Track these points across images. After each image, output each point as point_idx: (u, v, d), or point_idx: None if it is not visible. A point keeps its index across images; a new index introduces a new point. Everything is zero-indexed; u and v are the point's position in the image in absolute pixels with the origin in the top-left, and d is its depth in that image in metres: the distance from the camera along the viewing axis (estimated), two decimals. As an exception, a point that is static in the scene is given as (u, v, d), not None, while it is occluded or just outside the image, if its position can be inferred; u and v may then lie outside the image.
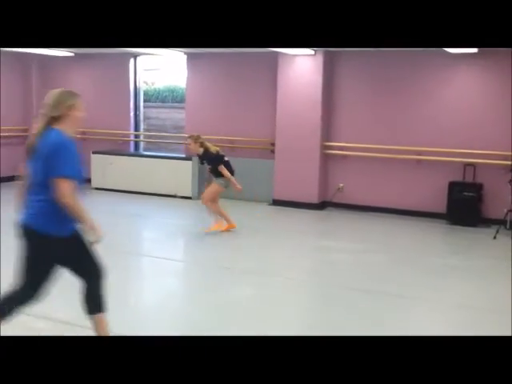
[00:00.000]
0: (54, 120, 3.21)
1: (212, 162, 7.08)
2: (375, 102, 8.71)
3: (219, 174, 7.05)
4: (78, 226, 3.28)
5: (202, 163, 7.35)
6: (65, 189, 3.07)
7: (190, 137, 7.16)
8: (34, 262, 3.27)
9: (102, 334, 3.46)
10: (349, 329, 4.23)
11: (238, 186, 7.04)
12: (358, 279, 5.49)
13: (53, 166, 3.08)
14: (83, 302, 3.47)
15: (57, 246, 3.23)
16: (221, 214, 7.16)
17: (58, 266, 3.38)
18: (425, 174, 8.48)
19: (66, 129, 3.22)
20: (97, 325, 3.48)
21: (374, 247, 6.77)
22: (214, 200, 7.09)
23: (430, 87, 8.40)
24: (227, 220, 7.18)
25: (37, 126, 3.25)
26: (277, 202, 9.15)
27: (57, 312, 4.36)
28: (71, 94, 3.29)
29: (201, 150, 7.06)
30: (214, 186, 7.10)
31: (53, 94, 3.28)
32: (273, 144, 9.21)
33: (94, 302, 3.44)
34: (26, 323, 4.14)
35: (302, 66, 8.76)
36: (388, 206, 8.67)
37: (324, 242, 7.11)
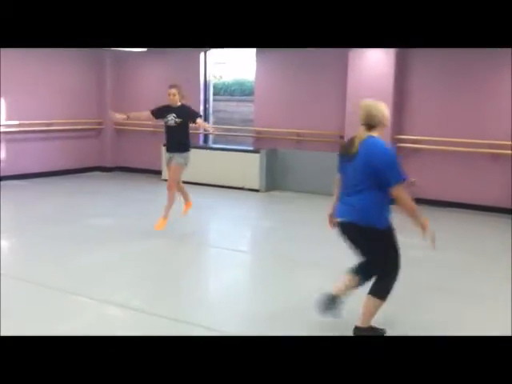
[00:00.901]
0: (369, 127, 3.70)
1: (186, 117, 6.37)
2: (450, 94, 8.41)
3: (181, 147, 6.43)
4: (392, 221, 3.72)
5: (168, 118, 6.37)
6: (402, 193, 3.57)
7: (174, 86, 6.42)
8: (365, 250, 3.78)
9: (367, 315, 3.74)
10: (417, 326, 4.12)
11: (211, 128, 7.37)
12: (430, 276, 5.34)
13: (387, 176, 3.56)
14: (372, 283, 3.78)
15: (375, 235, 3.65)
16: (182, 192, 6.75)
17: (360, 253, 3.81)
18: (503, 169, 8.11)
19: (379, 135, 3.68)
20: (369, 306, 3.73)
21: (445, 244, 6.55)
22: (178, 181, 6.57)
23: (501, 79, 8.01)
24: (186, 198, 6.80)
25: (357, 133, 3.78)
26: (345, 196, 9.02)
27: (131, 300, 4.48)
28: (383, 105, 3.76)
29: (179, 103, 6.41)
30: (176, 168, 6.45)
31: (368, 104, 3.79)
32: (341, 137, 9.08)
33: (380, 289, 3.72)
34: (100, 310, 4.29)
35: (373, 57, 8.57)
36: (463, 201, 8.37)
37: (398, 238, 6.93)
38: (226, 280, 5.26)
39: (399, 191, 3.57)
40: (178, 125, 6.36)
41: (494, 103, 8.12)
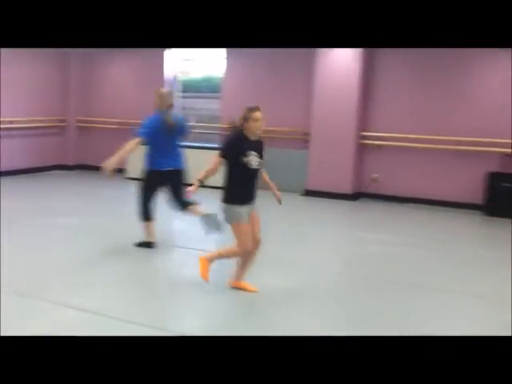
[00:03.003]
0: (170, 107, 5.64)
1: (262, 156, 4.48)
2: (413, 92, 8.58)
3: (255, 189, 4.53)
4: None
5: (249, 158, 4.33)
6: None
7: (259, 109, 4.42)
8: (180, 187, 5.67)
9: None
10: (378, 321, 4.20)
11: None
12: (391, 271, 5.42)
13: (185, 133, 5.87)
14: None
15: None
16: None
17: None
18: (462, 165, 8.33)
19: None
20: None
21: (408, 239, 6.69)
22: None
23: (469, 76, 8.23)
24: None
25: (168, 113, 5.56)
26: (310, 193, 9.12)
27: (87, 302, 4.38)
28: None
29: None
30: (257, 216, 4.60)
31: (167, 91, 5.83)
32: (306, 134, 9.17)
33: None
34: (55, 313, 4.15)
35: (339, 54, 8.66)
36: (425, 197, 8.56)
37: (357, 234, 7.04)
38: (188, 281, 5.23)
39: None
40: (260, 167, 4.46)
41: (458, 100, 8.31)
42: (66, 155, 11.30)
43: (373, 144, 8.86)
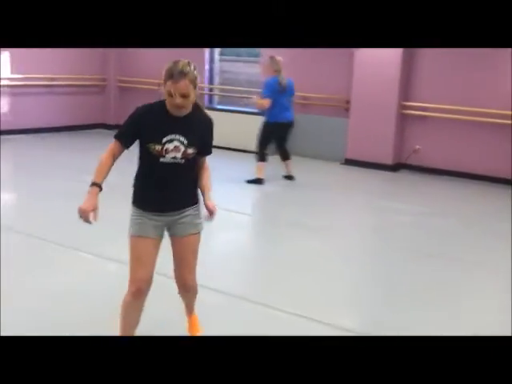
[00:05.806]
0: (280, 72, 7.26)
1: (203, 142, 2.98)
2: (459, 61, 8.24)
3: (193, 199, 3.03)
4: None
5: (169, 147, 2.79)
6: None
7: (186, 71, 2.92)
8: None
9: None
10: (406, 291, 4.16)
11: None
12: (420, 242, 5.39)
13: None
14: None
15: None
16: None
17: None
18: (509, 140, 8.01)
19: None
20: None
21: (442, 211, 6.56)
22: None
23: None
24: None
25: (282, 75, 7.31)
26: (349, 162, 8.97)
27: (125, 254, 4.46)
28: None
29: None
30: (193, 241, 3.04)
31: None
32: (347, 102, 8.97)
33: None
34: (98, 264, 4.29)
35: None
36: (466, 171, 8.30)
37: (392, 204, 6.93)
38: (228, 241, 5.28)
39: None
40: (187, 160, 2.83)
41: (504, 70, 7.96)
42: (108, 114, 11.39)
43: (415, 114, 8.61)
